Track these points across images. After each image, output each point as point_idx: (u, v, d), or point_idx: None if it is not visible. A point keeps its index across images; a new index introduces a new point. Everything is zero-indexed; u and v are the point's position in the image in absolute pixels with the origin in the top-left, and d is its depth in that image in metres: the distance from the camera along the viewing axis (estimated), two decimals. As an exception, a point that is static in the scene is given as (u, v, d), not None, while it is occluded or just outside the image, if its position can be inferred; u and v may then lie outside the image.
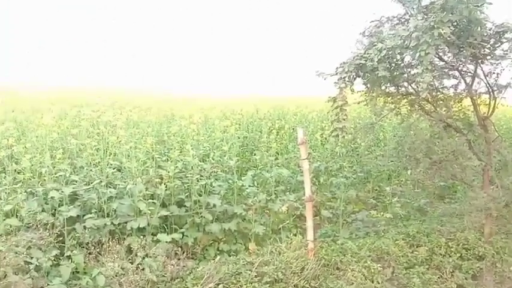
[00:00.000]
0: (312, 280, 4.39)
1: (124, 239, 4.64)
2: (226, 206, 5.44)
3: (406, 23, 4.79)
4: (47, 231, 4.20)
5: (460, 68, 5.12)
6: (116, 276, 4.02)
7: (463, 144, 5.21)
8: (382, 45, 4.42)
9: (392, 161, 6.50)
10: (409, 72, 5.01)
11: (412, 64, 4.89)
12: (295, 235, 5.22)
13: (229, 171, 6.12)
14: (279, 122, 9.01)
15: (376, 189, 7.48)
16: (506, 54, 4.57)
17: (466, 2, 4.13)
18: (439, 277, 4.75)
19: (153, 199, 4.96)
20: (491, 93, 5.07)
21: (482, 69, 4.98)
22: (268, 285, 4.21)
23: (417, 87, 4.84)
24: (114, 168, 5.15)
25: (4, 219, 4.31)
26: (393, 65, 4.81)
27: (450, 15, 4.14)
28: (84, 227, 4.51)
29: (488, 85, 5.08)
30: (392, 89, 5.42)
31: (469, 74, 5.11)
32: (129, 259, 4.28)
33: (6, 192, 4.50)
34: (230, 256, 4.93)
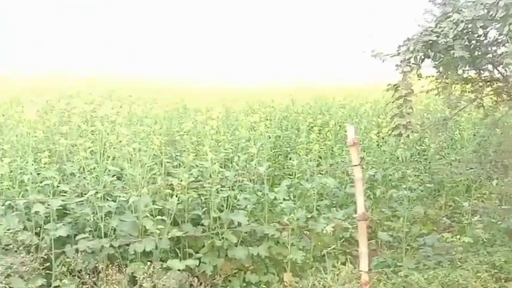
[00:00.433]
0: (366, 323, 4.36)
1: (126, 265, 4.73)
2: (254, 225, 5.46)
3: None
4: (30, 254, 4.30)
5: None
6: (116, 313, 4.09)
7: None
8: (459, 17, 4.37)
9: (472, 169, 6.38)
10: (495, 51, 4.93)
11: (499, 41, 4.82)
12: (344, 264, 5.18)
13: (259, 180, 6.14)
14: (321, 117, 8.97)
15: (451, 205, 7.36)
16: None
17: None
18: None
19: (162, 215, 5.03)
20: None
21: None
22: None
23: (505, 70, 4.77)
24: (113, 176, 5.23)
25: (-23, 239, 4.44)
26: (474, 42, 4.75)
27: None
28: (77, 250, 4.61)
29: None
30: (472, 73, 5.35)
31: None
32: (133, 291, 4.35)
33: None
34: (260, 290, 4.96)
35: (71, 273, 4.57)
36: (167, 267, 4.82)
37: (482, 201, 7.26)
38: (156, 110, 6.91)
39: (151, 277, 4.45)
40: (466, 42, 4.52)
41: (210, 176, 5.43)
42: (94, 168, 5.28)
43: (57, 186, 4.93)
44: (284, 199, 5.75)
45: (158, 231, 4.88)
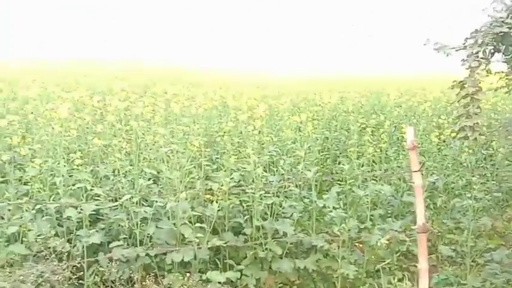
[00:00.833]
0: None
1: (163, 276, 4.79)
2: (301, 235, 5.46)
3: None
4: (63, 262, 4.41)
5: None
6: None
7: None
8: (537, 5, 4.27)
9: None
10: None
11: None
12: (401, 280, 5.13)
13: (305, 185, 6.14)
14: (375, 116, 8.92)
15: (521, 217, 7.22)
16: None
17: None
18: None
19: (201, 222, 5.09)
20: None
21: None
22: None
23: None
24: (149, 179, 5.32)
25: (7, 245, 4.58)
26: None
27: None
28: (110, 259, 4.70)
29: None
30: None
31: None
32: (170, 304, 4.41)
33: (8, 209, 4.77)
34: (308, 306, 4.96)
35: (104, 284, 4.67)
36: (206, 279, 4.86)
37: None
38: (194, 107, 6.98)
39: (190, 290, 4.50)
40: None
41: (253, 180, 5.46)
42: (129, 171, 5.38)
43: (90, 190, 5.04)
44: (334, 207, 5.72)
45: (197, 240, 4.93)
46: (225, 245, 5.11)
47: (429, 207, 6.47)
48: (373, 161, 6.98)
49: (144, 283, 4.47)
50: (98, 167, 5.57)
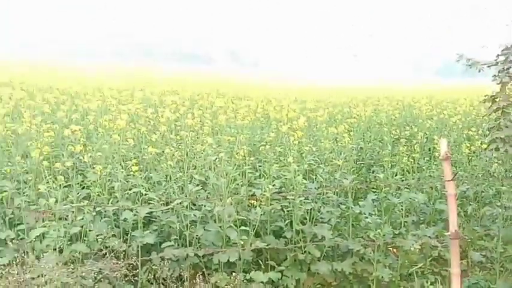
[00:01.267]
0: None
1: (210, 274, 4.83)
2: (338, 239, 5.43)
3: None
4: (119, 260, 4.49)
5: None
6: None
7: None
8: None
9: None
10: None
11: None
12: (433, 284, 5.06)
13: (342, 192, 6.11)
14: (408, 128, 8.82)
15: (549, 225, 6.99)
16: None
17: None
18: None
19: (245, 226, 5.11)
20: None
21: None
22: None
23: None
24: (197, 185, 5.38)
25: (69, 244, 4.69)
26: None
27: None
28: (162, 258, 4.76)
29: None
30: None
31: None
32: (216, 301, 4.44)
33: (71, 212, 4.88)
34: (343, 307, 4.93)
35: (156, 281, 4.73)
36: (250, 279, 4.89)
37: None
38: (239, 120, 7.03)
39: (235, 288, 4.52)
40: None
41: (293, 187, 5.47)
42: (179, 177, 5.45)
43: (145, 194, 5.13)
44: (369, 214, 5.68)
45: (242, 242, 4.96)
46: (267, 247, 5.13)
47: (460, 215, 6.35)
48: (407, 170, 6.90)
49: (193, 281, 4.50)
50: (151, 173, 5.66)
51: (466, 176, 7.08)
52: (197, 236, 4.99)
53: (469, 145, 7.48)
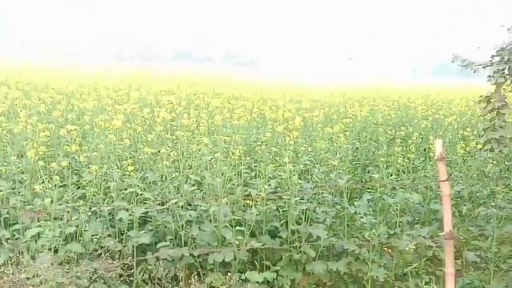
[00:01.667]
0: None
1: (205, 275, 4.82)
2: (333, 239, 5.43)
3: None
4: (115, 260, 4.47)
5: None
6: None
7: None
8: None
9: None
10: None
11: None
12: (428, 284, 5.06)
13: (337, 193, 6.11)
14: (403, 128, 8.82)
15: (543, 225, 7.00)
16: None
17: None
18: None
19: (240, 226, 5.10)
20: None
21: None
22: None
23: None
24: (193, 185, 5.37)
25: (65, 244, 4.68)
26: None
27: None
28: (157, 258, 4.75)
29: None
30: None
31: None
32: (211, 301, 4.43)
33: (67, 211, 4.87)
34: (339, 306, 4.92)
35: (151, 281, 4.72)
36: (245, 279, 4.89)
37: None
38: (235, 119, 7.01)
39: (230, 288, 4.52)
40: None
41: (289, 187, 5.46)
42: (175, 177, 5.44)
43: (140, 194, 5.12)
44: (365, 214, 5.69)
45: (237, 242, 4.95)
46: (262, 247, 5.12)
47: (455, 215, 6.35)
48: (402, 171, 6.90)
49: (188, 281, 4.49)
50: (147, 173, 5.65)
51: (461, 176, 7.08)
52: (192, 236, 4.98)
53: (464, 145, 7.49)
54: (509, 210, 6.38)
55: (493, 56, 4.62)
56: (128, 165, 5.25)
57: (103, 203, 5.06)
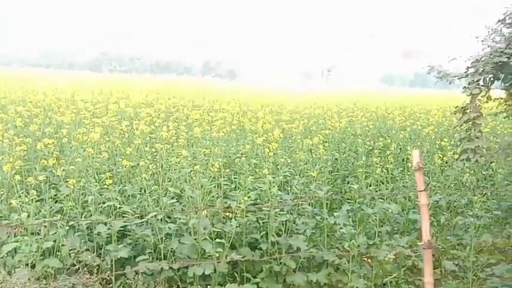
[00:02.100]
0: None
1: (185, 288, 4.80)
2: (313, 250, 5.44)
3: None
4: (93, 275, 4.43)
5: None
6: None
7: None
8: (533, 37, 4.29)
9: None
10: None
11: None
12: (407, 293, 5.08)
13: (317, 204, 6.13)
14: (382, 139, 8.90)
15: (519, 234, 7.11)
16: None
17: None
18: None
19: (220, 238, 5.09)
20: None
21: None
22: None
23: None
24: (172, 198, 5.35)
25: (42, 259, 4.62)
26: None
27: None
28: (136, 272, 4.71)
29: None
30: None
31: None
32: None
33: (44, 226, 4.81)
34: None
35: (130, 295, 4.67)
36: (225, 292, 4.86)
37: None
38: (214, 132, 7.02)
39: (210, 301, 4.50)
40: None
41: (268, 199, 5.48)
42: (154, 190, 5.42)
43: (119, 208, 5.09)
44: (344, 224, 5.72)
45: (217, 255, 4.93)
46: (242, 259, 5.10)
47: (433, 225, 6.43)
48: (381, 181, 6.97)
49: (168, 295, 4.47)
50: (125, 186, 5.62)
51: (439, 186, 7.17)
52: (172, 249, 4.95)
53: (441, 155, 7.58)
54: (486, 219, 6.48)
55: (468, 68, 4.71)
56: (106, 178, 5.22)
57: (81, 217, 5.02)
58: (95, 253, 4.81)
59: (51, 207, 5.03)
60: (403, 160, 8.33)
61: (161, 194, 5.38)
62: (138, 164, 5.68)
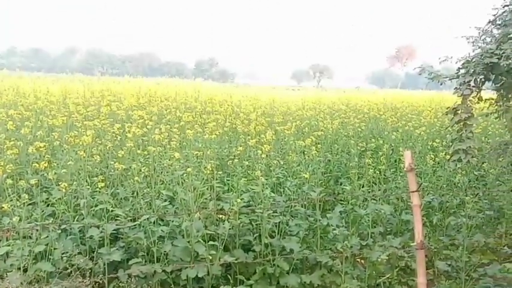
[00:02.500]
0: None
1: (178, 291, 4.78)
2: (306, 252, 5.45)
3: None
4: (85, 279, 4.41)
5: None
6: None
7: None
8: (523, 38, 4.32)
9: (534, 195, 6.22)
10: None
11: None
12: (400, 294, 5.09)
13: (310, 205, 6.14)
14: (374, 140, 8.92)
15: (511, 234, 7.15)
16: None
17: None
18: None
19: (213, 240, 5.09)
20: None
21: None
22: None
23: None
24: (165, 200, 5.34)
25: (34, 263, 4.60)
26: (538, 63, 4.66)
27: None
28: (129, 275, 4.70)
29: None
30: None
31: None
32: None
33: (36, 230, 4.79)
34: (313, 319, 4.93)
35: (123, 298, 4.66)
36: (219, 294, 4.86)
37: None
38: (207, 134, 7.02)
39: (203, 304, 4.49)
40: (530, 64, 4.44)
41: (261, 201, 5.47)
42: (147, 193, 5.41)
43: (111, 211, 5.07)
44: (337, 225, 5.72)
45: (210, 257, 4.93)
46: (235, 262, 5.11)
47: (426, 225, 6.45)
48: (373, 182, 6.98)
49: (161, 298, 4.46)
50: (118, 189, 5.61)
51: (431, 186, 7.20)
52: (165, 251, 4.93)
53: (433, 156, 7.62)
54: (478, 220, 6.51)
55: (459, 69, 4.73)
56: (99, 181, 5.20)
57: (73, 221, 5.00)
58: (88, 256, 4.79)
59: (43, 211, 5.01)
60: (395, 161, 8.36)
61: (154, 197, 5.38)
62: (130, 167, 5.68)
